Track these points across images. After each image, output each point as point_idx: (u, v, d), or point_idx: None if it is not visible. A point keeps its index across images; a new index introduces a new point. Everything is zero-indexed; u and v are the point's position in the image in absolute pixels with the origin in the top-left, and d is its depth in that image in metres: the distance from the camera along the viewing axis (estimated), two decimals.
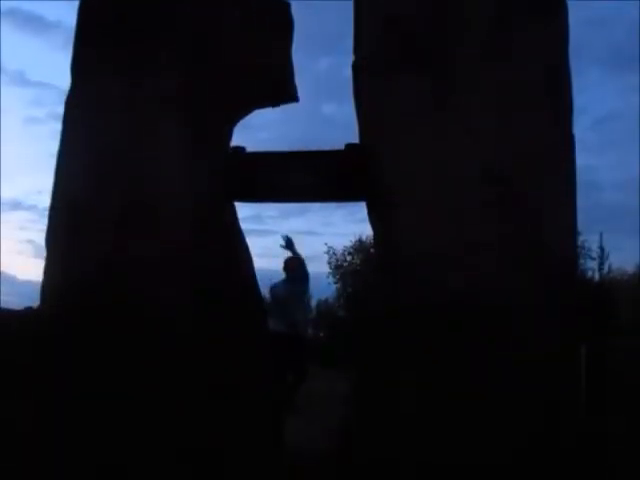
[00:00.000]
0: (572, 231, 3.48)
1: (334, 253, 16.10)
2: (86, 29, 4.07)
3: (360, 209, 3.85)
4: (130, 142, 3.77)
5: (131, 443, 3.18)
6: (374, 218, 3.70)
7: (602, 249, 12.79)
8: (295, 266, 6.31)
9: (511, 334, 3.18)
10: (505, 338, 3.18)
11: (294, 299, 6.27)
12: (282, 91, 4.03)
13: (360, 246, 15.52)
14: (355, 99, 3.83)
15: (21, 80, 43.05)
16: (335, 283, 15.82)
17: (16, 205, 42.08)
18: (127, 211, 3.68)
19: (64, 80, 4.03)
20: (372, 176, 3.63)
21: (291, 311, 6.08)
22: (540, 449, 3.03)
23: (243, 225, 3.92)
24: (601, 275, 12.79)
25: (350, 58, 3.89)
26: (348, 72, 3.87)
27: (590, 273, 13.03)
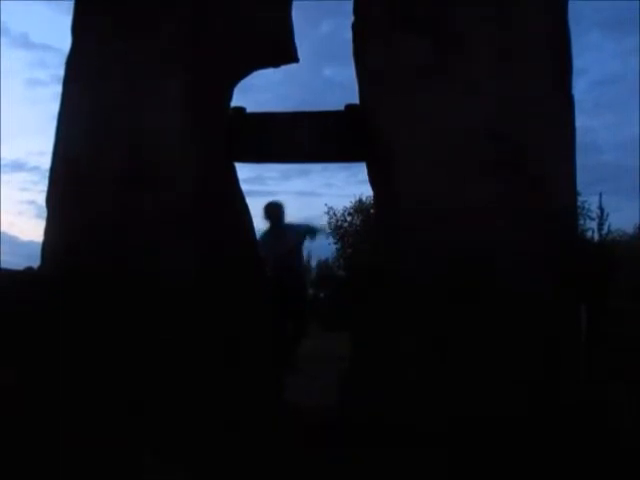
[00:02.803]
0: (572, 189, 3.51)
1: (334, 214, 16.13)
2: None
3: (362, 170, 3.87)
4: (129, 102, 3.75)
5: (130, 404, 3.26)
6: (374, 178, 3.72)
7: (601, 209, 12.78)
8: (279, 213, 5.88)
9: (511, 291, 3.23)
10: (505, 295, 3.23)
11: (291, 252, 5.84)
12: (282, 50, 4.00)
13: (360, 206, 15.53)
14: (355, 60, 3.81)
15: (25, 42, 42.38)
16: (335, 243, 15.89)
17: (19, 166, 41.92)
18: (127, 172, 3.68)
19: (68, 42, 4.00)
20: (372, 136, 3.64)
21: (289, 264, 5.74)
22: (540, 405, 3.11)
23: (244, 186, 3.95)
24: (601, 235, 12.82)
25: (351, 21, 3.85)
26: (349, 35, 3.85)
27: (590, 233, 13.06)
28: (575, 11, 3.64)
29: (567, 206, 3.50)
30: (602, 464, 2.77)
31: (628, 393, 3.34)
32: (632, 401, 3.29)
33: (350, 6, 3.84)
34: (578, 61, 3.60)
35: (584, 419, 3.08)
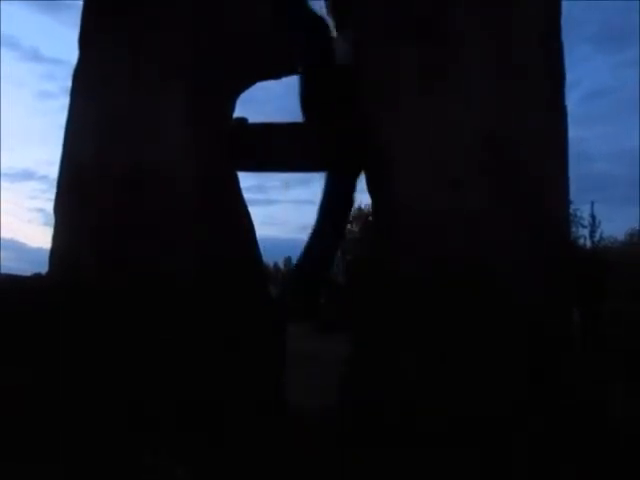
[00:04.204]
0: (565, 196, 3.48)
1: None
2: (91, 4, 4.00)
3: (361, 179, 3.85)
4: (133, 112, 3.72)
5: (130, 404, 3.21)
6: (373, 182, 3.67)
7: (593, 217, 12.83)
8: None
9: (509, 293, 3.19)
10: (503, 296, 3.18)
11: None
12: (282, 61, 3.97)
13: (359, 214, 15.54)
14: (355, 71, 3.76)
15: (35, 56, 42.76)
16: None
17: (28, 175, 42.29)
18: (130, 177, 3.65)
19: (76, 55, 3.98)
20: (372, 141, 3.60)
21: None
22: (540, 405, 3.06)
23: (246, 195, 3.92)
24: (593, 242, 12.83)
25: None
26: None
27: (582, 240, 13.07)
28: (565, 25, 3.63)
29: (561, 210, 3.47)
30: (602, 464, 2.71)
31: (628, 393, 3.28)
32: (632, 401, 3.23)
33: None
34: (570, 74, 3.59)
35: (584, 419, 3.02)
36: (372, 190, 3.67)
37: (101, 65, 3.83)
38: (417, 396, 3.12)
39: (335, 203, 4.30)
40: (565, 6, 3.60)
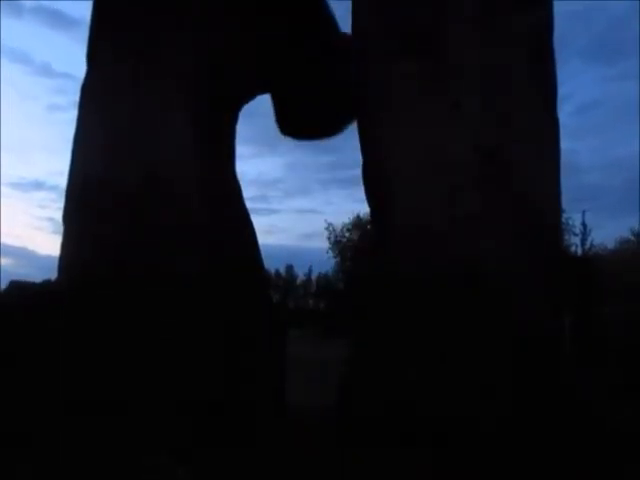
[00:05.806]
0: (558, 203, 3.44)
1: (333, 229, 16.21)
2: (98, 21, 3.99)
3: (360, 190, 3.83)
4: (134, 117, 3.69)
5: (130, 404, 3.17)
6: (373, 188, 3.63)
7: (584, 226, 12.79)
8: None
9: (511, 296, 3.12)
10: (502, 301, 3.12)
11: None
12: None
13: (358, 222, 15.57)
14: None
15: (47, 71, 43.30)
16: (335, 257, 15.93)
17: (39, 185, 42.56)
18: (132, 183, 3.62)
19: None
20: (370, 151, 3.57)
21: None
22: (540, 405, 3.01)
23: (249, 204, 3.91)
24: (584, 250, 12.81)
25: None
26: None
27: (573, 248, 13.06)
28: (557, 40, 3.61)
29: (556, 215, 3.44)
30: (601, 464, 2.66)
31: (628, 394, 3.23)
32: (632, 401, 3.18)
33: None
34: (561, 88, 3.58)
35: (584, 419, 2.97)
36: (371, 192, 3.63)
37: (104, 72, 3.81)
38: (417, 396, 3.07)
39: None
40: (558, 22, 3.60)
